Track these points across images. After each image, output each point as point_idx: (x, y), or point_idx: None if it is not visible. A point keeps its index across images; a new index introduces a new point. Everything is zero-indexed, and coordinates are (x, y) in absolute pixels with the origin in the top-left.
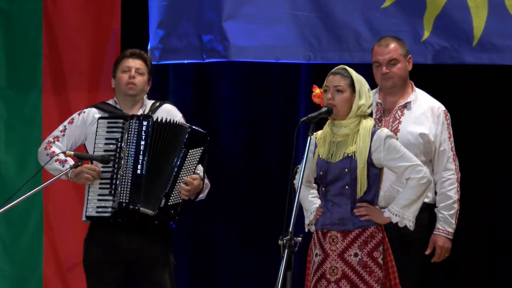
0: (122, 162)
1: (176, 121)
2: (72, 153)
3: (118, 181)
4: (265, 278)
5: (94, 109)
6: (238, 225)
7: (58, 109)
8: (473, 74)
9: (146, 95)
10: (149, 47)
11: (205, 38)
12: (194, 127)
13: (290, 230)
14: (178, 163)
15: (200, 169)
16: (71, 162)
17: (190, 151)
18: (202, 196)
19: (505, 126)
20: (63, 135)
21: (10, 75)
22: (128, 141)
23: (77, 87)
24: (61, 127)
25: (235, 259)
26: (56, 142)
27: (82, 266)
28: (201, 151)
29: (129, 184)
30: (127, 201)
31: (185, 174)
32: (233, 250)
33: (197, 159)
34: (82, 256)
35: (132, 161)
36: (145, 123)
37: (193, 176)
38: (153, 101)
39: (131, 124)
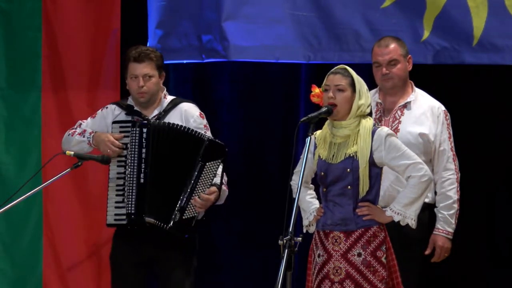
0: (129, 171)
1: (186, 129)
2: (72, 153)
3: (126, 190)
4: (265, 278)
5: (114, 106)
6: (238, 225)
7: (57, 109)
8: (473, 74)
9: (165, 91)
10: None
11: (205, 38)
12: (212, 138)
13: (290, 230)
14: (195, 176)
15: (218, 175)
16: (89, 130)
17: (207, 164)
18: (220, 202)
19: (505, 126)
20: (86, 124)
21: (10, 75)
22: (132, 148)
23: (76, 87)
24: (85, 120)
25: (235, 259)
26: (78, 128)
27: (109, 260)
28: (219, 163)
29: (134, 194)
30: (133, 211)
31: (201, 188)
32: (233, 250)
33: (215, 172)
34: (110, 251)
35: (135, 170)
36: (144, 130)
37: (211, 190)
38: (172, 98)
39: (133, 131)
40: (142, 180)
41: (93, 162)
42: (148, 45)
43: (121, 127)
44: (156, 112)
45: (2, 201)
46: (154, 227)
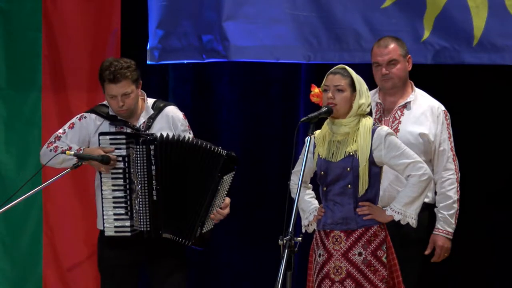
0: (135, 187)
1: (203, 144)
2: (72, 153)
3: (135, 207)
4: (264, 278)
5: (94, 115)
6: (238, 225)
7: (57, 109)
8: (473, 74)
9: (145, 95)
10: (148, 47)
11: (205, 38)
12: (227, 152)
13: (290, 230)
14: (213, 190)
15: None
16: (76, 147)
17: (224, 177)
18: None
19: (505, 126)
20: (65, 136)
21: (10, 75)
22: (138, 165)
23: (76, 87)
24: (61, 130)
25: (235, 259)
26: (57, 141)
27: (97, 267)
28: (233, 175)
29: (147, 212)
30: (148, 229)
31: (219, 201)
32: (233, 250)
33: (230, 183)
34: (97, 257)
35: (146, 187)
36: (152, 147)
37: (226, 202)
38: (153, 101)
39: (137, 148)
40: (155, 198)
41: None
42: (148, 45)
43: (111, 139)
44: (142, 119)
45: (2, 201)
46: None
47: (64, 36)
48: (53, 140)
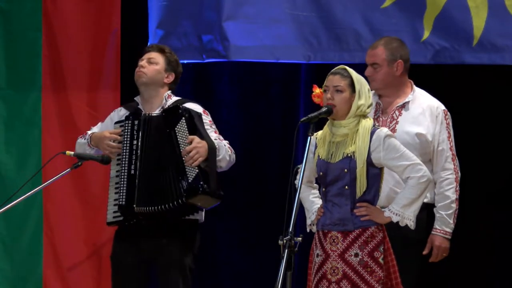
0: (122, 164)
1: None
2: (72, 153)
3: (120, 185)
4: (264, 278)
5: (121, 107)
6: (238, 224)
7: (57, 109)
8: (473, 74)
9: (170, 92)
10: None
11: (205, 38)
12: (166, 108)
13: (290, 230)
14: (174, 146)
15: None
16: (90, 132)
17: (175, 129)
18: (220, 156)
19: (505, 126)
20: (96, 128)
21: (10, 75)
22: (125, 141)
23: (77, 87)
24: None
25: (235, 259)
26: (89, 132)
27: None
28: (184, 122)
29: (125, 185)
30: (123, 203)
31: (182, 148)
32: (233, 249)
33: (186, 130)
34: (111, 250)
35: (127, 162)
36: (136, 122)
37: (189, 138)
38: (177, 99)
39: (126, 124)
40: (132, 172)
41: (93, 162)
42: (148, 45)
43: (121, 126)
44: (158, 110)
45: (2, 201)
46: (148, 224)
47: (64, 36)
48: (87, 132)
